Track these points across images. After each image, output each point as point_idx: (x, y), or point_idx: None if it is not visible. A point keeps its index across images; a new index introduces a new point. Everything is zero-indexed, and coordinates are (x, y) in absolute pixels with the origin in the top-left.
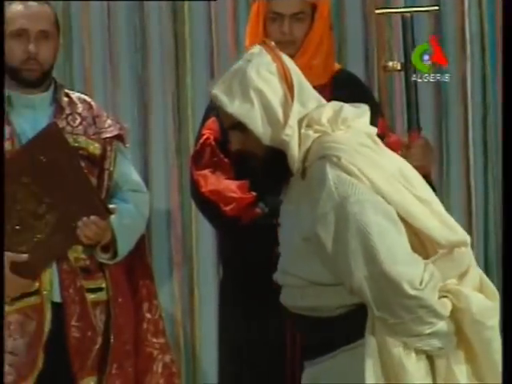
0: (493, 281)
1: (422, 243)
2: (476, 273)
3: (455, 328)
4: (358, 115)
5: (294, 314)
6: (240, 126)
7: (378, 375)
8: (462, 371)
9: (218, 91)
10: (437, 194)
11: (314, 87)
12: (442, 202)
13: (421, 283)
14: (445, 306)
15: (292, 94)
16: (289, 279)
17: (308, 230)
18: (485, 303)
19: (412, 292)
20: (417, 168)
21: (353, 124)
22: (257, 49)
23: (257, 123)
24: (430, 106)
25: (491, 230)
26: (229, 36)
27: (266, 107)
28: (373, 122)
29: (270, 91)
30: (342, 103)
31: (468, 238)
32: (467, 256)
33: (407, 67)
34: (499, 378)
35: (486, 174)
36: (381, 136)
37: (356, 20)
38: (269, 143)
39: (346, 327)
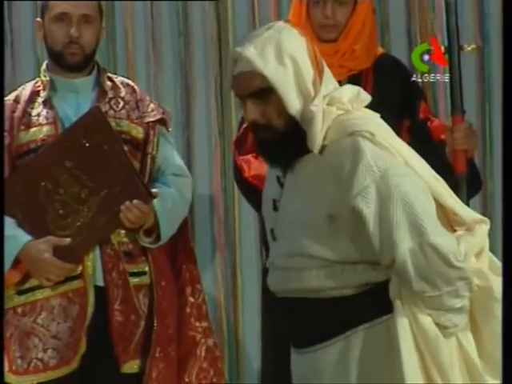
0: None
1: (443, 220)
2: (488, 251)
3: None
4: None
5: (293, 298)
6: (262, 94)
7: (413, 349)
8: (470, 344)
9: (249, 53)
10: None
11: (358, 71)
12: (486, 184)
13: (460, 255)
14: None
15: (321, 75)
16: (301, 261)
17: (333, 207)
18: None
19: (456, 263)
20: (460, 152)
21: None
22: (281, 23)
23: (289, 89)
24: (473, 89)
25: None
26: (271, 19)
27: (300, 76)
28: (416, 106)
29: (303, 63)
30: (357, 87)
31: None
32: (486, 233)
33: (451, 50)
34: (499, 352)
35: None
36: (424, 120)
37: (399, 4)
38: (294, 113)
39: (363, 306)
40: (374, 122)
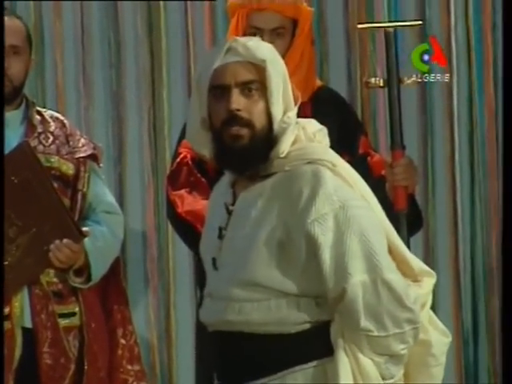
0: (480, 301)
1: None
2: (429, 306)
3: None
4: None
5: (227, 332)
6: (251, 86)
7: None
8: None
9: (252, 44)
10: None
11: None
12: (428, 221)
13: (410, 297)
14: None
15: (296, 102)
16: (244, 291)
17: (285, 233)
18: (441, 338)
19: (408, 303)
20: (400, 188)
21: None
22: None
23: (278, 89)
24: (415, 123)
25: (478, 249)
26: (206, 51)
27: (286, 85)
28: (355, 141)
29: (288, 78)
30: (323, 126)
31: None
32: (431, 287)
33: (390, 83)
34: None
35: (473, 192)
36: (363, 155)
37: (338, 35)
38: (276, 116)
39: (302, 346)
40: (334, 154)
